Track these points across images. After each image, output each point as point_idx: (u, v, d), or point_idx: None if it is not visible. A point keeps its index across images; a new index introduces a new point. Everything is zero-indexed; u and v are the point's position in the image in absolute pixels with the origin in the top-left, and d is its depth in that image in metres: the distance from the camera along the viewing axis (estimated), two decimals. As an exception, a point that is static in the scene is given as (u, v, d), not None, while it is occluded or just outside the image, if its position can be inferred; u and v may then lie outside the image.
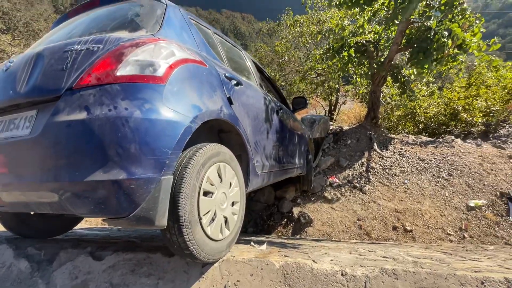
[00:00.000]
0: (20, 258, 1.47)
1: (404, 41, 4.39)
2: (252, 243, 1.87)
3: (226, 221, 1.35)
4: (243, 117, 1.65)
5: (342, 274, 1.19)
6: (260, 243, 1.92)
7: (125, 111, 0.97)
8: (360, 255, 1.65)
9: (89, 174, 0.93)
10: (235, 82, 1.66)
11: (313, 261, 1.33)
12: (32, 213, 1.77)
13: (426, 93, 7.07)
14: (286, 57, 8.24)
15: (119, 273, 1.34)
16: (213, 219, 1.25)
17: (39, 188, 1.00)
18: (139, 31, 1.26)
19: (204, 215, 1.18)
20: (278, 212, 3.74)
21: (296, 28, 7.93)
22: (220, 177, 1.33)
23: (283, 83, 8.58)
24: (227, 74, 1.59)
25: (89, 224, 4.03)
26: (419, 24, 4.04)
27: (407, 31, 4.29)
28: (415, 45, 4.13)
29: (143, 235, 2.32)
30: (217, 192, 1.29)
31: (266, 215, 3.78)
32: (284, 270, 1.25)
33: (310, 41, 7.76)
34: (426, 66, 3.98)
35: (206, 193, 1.22)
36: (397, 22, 4.05)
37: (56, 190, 0.97)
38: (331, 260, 1.40)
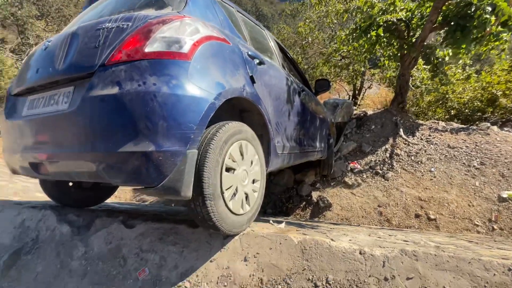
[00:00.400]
0: (62, 222, 1.64)
1: (440, 18, 4.05)
2: (271, 221, 1.92)
3: (247, 197, 1.40)
4: (265, 96, 1.65)
5: (360, 253, 1.21)
6: (279, 222, 1.97)
7: (153, 86, 1.01)
8: (380, 237, 1.64)
9: (122, 146, 0.99)
10: (258, 61, 1.65)
11: (331, 239, 1.35)
12: (70, 184, 1.94)
13: (462, 77, 6.55)
14: (310, 39, 7.94)
15: (148, 240, 1.45)
16: (234, 194, 1.30)
17: (78, 158, 1.10)
18: (165, 8, 1.28)
19: (226, 189, 1.23)
20: (297, 195, 3.77)
21: (321, 7, 7.56)
22: (241, 154, 1.37)
23: (305, 66, 8.33)
24: (250, 53, 1.58)
25: (119, 199, 4.34)
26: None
27: (444, 8, 3.93)
28: (452, 23, 3.79)
29: (169, 210, 2.46)
30: (239, 169, 1.33)
31: (285, 197, 3.83)
32: (302, 245, 1.28)
33: (335, 21, 7.38)
34: (464, 46, 3.66)
35: (228, 169, 1.27)
36: (433, -2, 3.73)
37: (93, 160, 1.05)
38: (350, 240, 1.41)
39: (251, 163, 1.46)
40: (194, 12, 1.34)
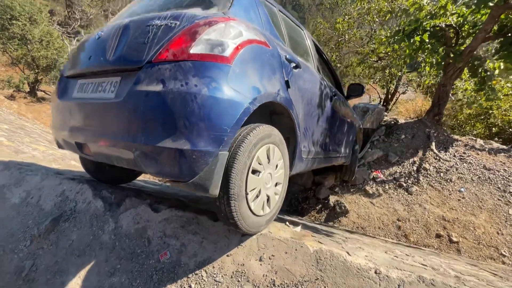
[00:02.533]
0: (97, 198, 1.79)
1: (495, 28, 3.71)
2: (287, 222, 1.95)
3: (268, 200, 1.44)
4: (297, 101, 1.65)
5: (375, 272, 1.21)
6: (295, 224, 1.99)
7: (195, 87, 1.06)
8: (397, 257, 1.62)
9: (161, 141, 1.06)
10: (294, 64, 1.64)
11: (347, 253, 1.36)
12: (105, 162, 2.09)
13: (510, 92, 6.00)
14: (347, 36, 7.62)
15: (172, 226, 1.55)
16: (257, 196, 1.34)
17: (120, 146, 1.19)
18: (211, 8, 1.30)
19: (250, 191, 1.27)
20: (314, 197, 3.76)
21: (363, 3, 7.19)
22: (268, 158, 1.39)
23: (338, 64, 8.05)
24: (287, 56, 1.57)
25: (144, 177, 4.59)
26: (522, 8, 3.34)
27: (502, 16, 3.59)
28: (509, 34, 3.47)
29: (189, 196, 2.58)
30: (264, 172, 1.36)
31: (301, 197, 3.84)
32: (317, 255, 1.31)
33: (377, 19, 7.01)
34: (519, 62, 3.35)
35: (254, 171, 1.30)
36: (491, 4, 3.40)
37: (133, 149, 1.13)
38: (366, 256, 1.41)
39: (276, 166, 1.48)
40: (238, 13, 1.36)
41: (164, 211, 1.63)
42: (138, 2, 1.68)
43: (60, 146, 1.72)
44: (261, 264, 1.33)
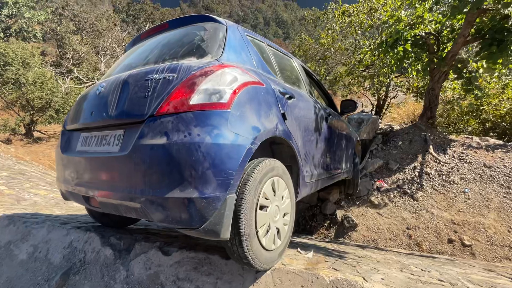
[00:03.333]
0: (105, 245, 1.77)
1: (473, 31, 3.89)
2: (298, 249, 1.94)
3: (278, 232, 1.44)
4: (295, 130, 1.69)
5: (395, 298, 1.20)
6: (306, 249, 1.98)
7: (198, 137, 1.10)
8: (413, 274, 1.61)
9: (169, 191, 1.08)
10: (288, 96, 1.70)
11: (364, 278, 1.35)
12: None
13: (497, 87, 6.17)
14: (333, 50, 7.89)
15: (184, 269, 1.54)
16: (267, 231, 1.34)
17: (127, 198, 1.20)
18: (205, 57, 1.37)
19: (260, 227, 1.28)
20: (320, 213, 3.74)
21: (344, 18, 7.50)
22: (274, 191, 1.42)
23: (328, 78, 8.27)
24: (281, 90, 1.64)
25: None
26: (494, 12, 3.52)
27: (477, 20, 3.78)
28: (487, 36, 3.63)
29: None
30: (271, 206, 1.38)
31: (308, 215, 3.82)
32: (334, 285, 1.30)
33: (359, 31, 7.29)
34: (500, 61, 3.49)
35: (262, 207, 1.32)
36: (465, 10, 3.59)
37: (141, 201, 1.15)
38: (382, 279, 1.41)
39: (282, 197, 1.50)
40: (230, 57, 1.43)
41: (175, 253, 1.62)
42: (132, 53, 1.76)
43: (65, 198, 1.73)
44: (279, 301, 1.32)
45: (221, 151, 1.11)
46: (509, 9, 3.31)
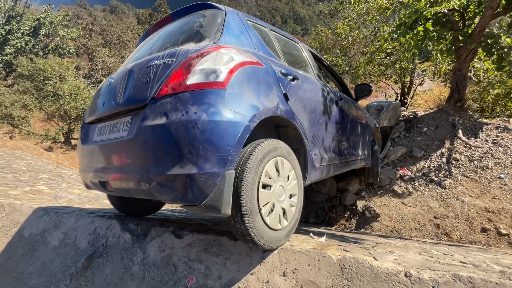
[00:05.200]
0: (125, 231, 1.89)
1: (503, 2, 3.55)
2: (311, 234, 1.91)
3: (284, 212, 1.44)
4: (299, 111, 1.67)
5: (405, 275, 1.14)
6: (320, 235, 1.94)
7: (195, 115, 1.13)
8: (432, 257, 1.51)
9: (170, 169, 1.13)
10: (291, 77, 1.69)
11: (374, 258, 1.30)
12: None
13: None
14: (350, 39, 7.61)
15: (195, 250, 1.59)
16: (272, 210, 1.35)
17: (135, 179, 1.27)
18: (203, 41, 1.41)
19: (263, 206, 1.29)
20: (340, 204, 3.64)
21: (361, 4, 7.22)
22: (277, 171, 1.41)
23: (346, 68, 8.00)
24: (283, 71, 1.63)
25: (171, 206, 4.74)
26: (527, -22, 3.18)
27: (509, -10, 3.44)
28: (521, 6, 3.29)
29: (213, 219, 2.62)
30: (275, 185, 1.38)
31: (327, 206, 3.73)
32: (341, 264, 1.26)
33: (378, 17, 6.97)
34: (537, 32, 3.14)
35: (264, 186, 1.32)
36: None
37: (146, 180, 1.22)
38: (395, 259, 1.34)
39: (288, 178, 1.49)
40: (229, 40, 1.45)
41: (186, 236, 1.68)
42: (141, 48, 1.86)
43: (88, 187, 1.86)
44: (285, 280, 1.31)
45: (217, 128, 1.14)
46: (545, -28, 2.98)
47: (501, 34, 3.91)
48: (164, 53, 1.36)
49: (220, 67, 1.24)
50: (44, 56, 17.59)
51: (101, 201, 4.12)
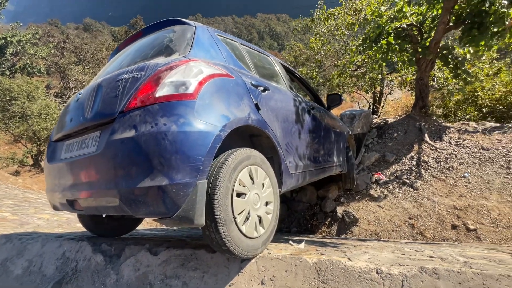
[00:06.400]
0: (96, 252, 1.79)
1: (453, 18, 3.94)
2: (290, 241, 1.92)
3: (260, 220, 1.44)
4: (272, 121, 1.72)
5: (377, 272, 1.18)
6: (299, 242, 1.96)
7: (164, 126, 1.14)
8: (404, 254, 1.57)
9: (140, 182, 1.11)
10: (262, 88, 1.75)
11: (348, 259, 1.33)
12: (103, 216, 2.12)
13: (491, 72, 6.15)
14: (323, 52, 8.02)
15: (171, 267, 1.54)
16: (247, 218, 1.35)
17: (105, 194, 1.24)
18: (173, 55, 1.44)
19: (238, 214, 1.29)
20: (321, 211, 3.70)
21: (330, 21, 7.68)
22: (252, 179, 1.43)
23: (321, 80, 8.36)
24: (253, 82, 1.69)
25: (150, 225, 4.55)
26: (470, -4, 3.58)
27: (456, 7, 3.84)
28: (467, 21, 3.68)
29: (193, 235, 2.55)
30: (250, 193, 1.39)
31: (309, 214, 3.77)
32: (317, 267, 1.28)
33: (346, 32, 7.43)
34: (483, 43, 3.51)
35: (239, 194, 1.33)
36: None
37: (116, 195, 1.18)
38: (369, 258, 1.38)
39: (263, 186, 1.51)
40: (199, 54, 1.50)
41: (163, 253, 1.62)
42: (111, 63, 1.85)
43: (55, 208, 1.77)
44: (263, 288, 1.30)
45: (188, 138, 1.15)
46: (484, -8, 3.37)
47: (455, 46, 4.32)
48: (134, 67, 1.37)
49: (190, 79, 1.27)
50: (11, 75, 16.75)
51: (73, 225, 3.88)
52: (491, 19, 3.29)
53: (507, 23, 3.27)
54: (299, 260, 1.34)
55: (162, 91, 1.21)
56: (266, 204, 1.52)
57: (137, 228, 2.83)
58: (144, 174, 1.12)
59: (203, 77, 1.32)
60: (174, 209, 1.12)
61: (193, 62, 1.34)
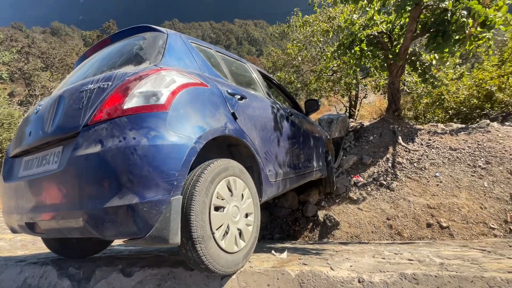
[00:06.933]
0: (63, 277, 1.64)
1: (419, 26, 4.18)
2: (273, 251, 1.88)
3: (240, 233, 1.39)
4: (250, 129, 1.69)
5: (359, 281, 1.17)
6: (282, 250, 1.93)
7: (133, 140, 1.06)
8: (384, 258, 1.59)
9: (107, 201, 1.02)
10: (239, 96, 1.71)
11: (331, 268, 1.32)
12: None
13: (455, 76, 6.61)
14: (300, 58, 8.19)
15: (147, 288, 1.43)
16: (226, 233, 1.29)
17: (68, 216, 1.13)
18: (143, 63, 1.36)
19: (216, 229, 1.23)
20: (303, 216, 3.70)
21: (306, 28, 7.88)
22: (230, 191, 1.38)
23: (299, 85, 8.51)
24: (230, 91, 1.65)
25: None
26: (433, 7, 3.82)
27: (421, 16, 4.08)
28: (432, 30, 3.91)
29: (171, 249, 2.44)
30: (229, 206, 1.34)
31: (291, 220, 3.76)
32: (299, 279, 1.25)
33: (321, 39, 7.66)
34: (447, 50, 3.75)
35: (217, 208, 1.27)
36: (409, 9, 3.87)
37: (81, 217, 1.08)
38: (350, 266, 1.38)
39: (242, 197, 1.47)
40: (171, 62, 1.43)
41: (137, 273, 1.51)
42: (76, 71, 1.73)
43: (14, 231, 1.60)
44: (245, 305, 1.25)
45: (160, 152, 1.08)
46: (445, 3, 3.61)
47: (422, 52, 4.57)
48: (100, 77, 1.28)
49: (161, 89, 1.20)
50: (-32, 83, 15.39)
51: (39, 244, 3.57)
52: (453, 27, 3.52)
53: (467, 31, 3.51)
54: (281, 273, 1.30)
55: (130, 103, 1.13)
56: (246, 215, 1.47)
57: (112, 243, 2.66)
58: (112, 193, 1.03)
59: (175, 86, 1.26)
60: (146, 229, 1.04)
61: (165, 71, 1.28)
